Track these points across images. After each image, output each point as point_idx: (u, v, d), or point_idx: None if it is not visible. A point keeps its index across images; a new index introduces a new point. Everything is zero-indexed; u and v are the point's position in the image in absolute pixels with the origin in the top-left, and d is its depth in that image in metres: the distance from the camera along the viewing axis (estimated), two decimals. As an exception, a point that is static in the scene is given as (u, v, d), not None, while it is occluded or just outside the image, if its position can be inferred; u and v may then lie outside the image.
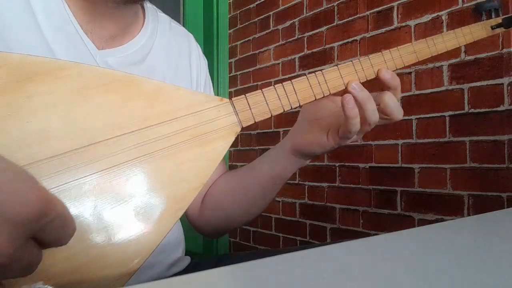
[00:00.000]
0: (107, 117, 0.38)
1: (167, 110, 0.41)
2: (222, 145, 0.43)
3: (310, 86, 0.48)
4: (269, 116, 0.46)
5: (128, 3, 0.53)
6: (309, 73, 0.49)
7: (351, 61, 0.51)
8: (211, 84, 0.71)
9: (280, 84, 0.47)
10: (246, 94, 0.45)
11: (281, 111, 0.47)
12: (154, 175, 0.38)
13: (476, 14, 0.65)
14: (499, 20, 0.64)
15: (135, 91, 0.40)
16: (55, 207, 0.27)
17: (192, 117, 0.41)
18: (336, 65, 0.50)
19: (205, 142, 0.42)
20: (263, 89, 0.46)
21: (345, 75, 0.50)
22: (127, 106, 0.39)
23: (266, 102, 0.46)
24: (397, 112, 0.50)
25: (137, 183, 0.38)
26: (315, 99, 0.48)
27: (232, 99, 0.44)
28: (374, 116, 0.49)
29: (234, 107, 0.44)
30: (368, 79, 0.52)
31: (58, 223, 0.28)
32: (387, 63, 0.53)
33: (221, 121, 0.43)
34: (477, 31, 0.61)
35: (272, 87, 0.46)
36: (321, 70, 0.49)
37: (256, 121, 0.45)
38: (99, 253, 0.35)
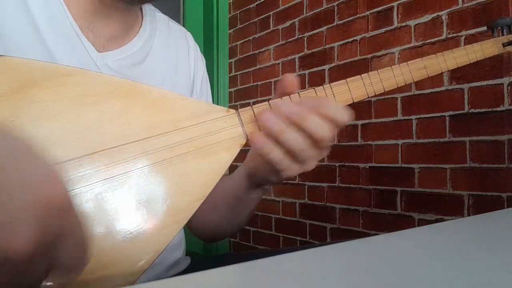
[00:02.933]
0: (111, 125, 0.37)
1: (172, 120, 0.40)
2: (226, 157, 0.42)
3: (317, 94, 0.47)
4: None
5: (134, 3, 0.53)
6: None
7: (360, 75, 0.51)
8: (208, 85, 0.71)
9: (287, 96, 0.46)
10: (253, 106, 0.44)
11: None
12: (156, 186, 0.38)
13: (487, 30, 0.64)
14: (511, 37, 0.63)
15: (140, 100, 0.39)
16: (75, 210, 0.27)
17: (197, 127, 0.41)
18: (345, 80, 0.50)
19: (209, 153, 0.41)
20: (270, 101, 0.45)
21: (354, 89, 0.49)
22: (132, 115, 0.38)
23: None
24: (341, 117, 0.41)
25: (138, 194, 0.37)
26: None
27: (239, 110, 0.44)
28: (297, 145, 0.40)
29: (240, 118, 0.43)
30: (376, 93, 0.52)
31: (77, 239, 0.27)
32: (396, 78, 0.52)
33: (226, 133, 0.42)
34: (488, 48, 0.61)
35: (279, 99, 0.46)
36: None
37: None
38: (102, 261, 0.35)
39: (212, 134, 0.42)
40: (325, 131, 0.40)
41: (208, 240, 0.68)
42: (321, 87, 0.48)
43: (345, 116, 0.41)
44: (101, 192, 0.35)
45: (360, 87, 0.50)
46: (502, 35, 0.63)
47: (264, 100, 0.46)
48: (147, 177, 0.38)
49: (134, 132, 0.38)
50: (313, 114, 0.40)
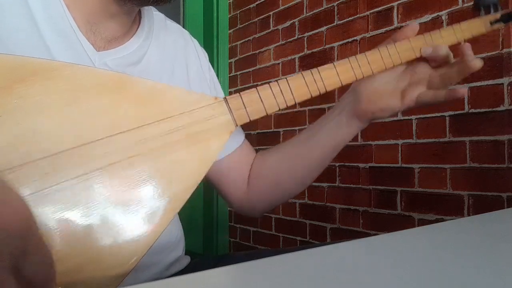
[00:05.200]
0: (99, 117, 0.37)
1: (161, 110, 0.40)
2: (217, 143, 0.42)
3: (306, 83, 0.48)
4: (265, 114, 0.46)
5: (140, 5, 0.53)
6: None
7: (348, 58, 0.51)
8: (215, 76, 0.71)
9: (275, 82, 0.47)
10: (241, 93, 0.45)
11: (277, 109, 0.46)
12: (147, 174, 0.38)
13: (475, 10, 0.64)
14: (497, 15, 0.62)
15: (128, 91, 0.39)
16: (38, 233, 0.26)
17: (186, 116, 0.41)
18: (332, 63, 0.50)
19: (199, 141, 0.41)
20: (257, 87, 0.46)
21: (342, 72, 0.50)
22: (120, 106, 0.38)
23: (261, 100, 0.45)
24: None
25: (129, 184, 0.37)
26: (311, 96, 0.48)
27: (227, 97, 0.44)
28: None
29: (229, 105, 0.44)
30: (365, 76, 0.52)
31: (41, 257, 0.26)
32: (384, 60, 0.52)
33: (215, 120, 0.43)
34: (476, 27, 0.60)
35: (267, 85, 0.46)
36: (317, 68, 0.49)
37: (251, 119, 0.45)
38: (93, 254, 0.35)
39: (201, 122, 0.42)
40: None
41: (269, 208, 0.69)
42: (309, 71, 0.49)
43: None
44: (92, 184, 0.35)
45: (348, 70, 0.50)
46: (489, 13, 0.63)
47: (264, 100, 0.46)
48: (138, 167, 0.38)
49: (123, 123, 0.38)
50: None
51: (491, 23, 0.62)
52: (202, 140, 0.41)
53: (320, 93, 0.48)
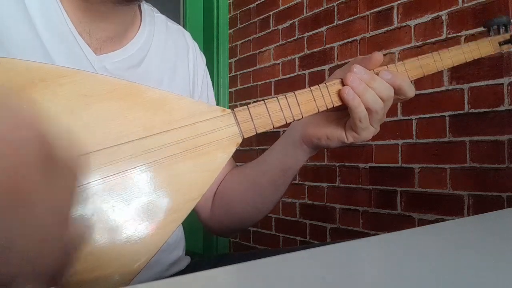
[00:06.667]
0: (107, 125, 0.38)
1: (169, 120, 0.40)
2: (222, 156, 0.43)
3: (314, 98, 0.48)
4: (271, 127, 0.46)
5: (127, 3, 0.53)
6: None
7: None
8: (209, 82, 0.71)
9: (283, 95, 0.47)
10: (249, 105, 0.45)
11: (284, 123, 0.46)
12: (152, 185, 0.38)
13: (484, 29, 0.64)
14: (507, 36, 0.62)
15: (137, 100, 0.40)
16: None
17: (193, 127, 0.41)
18: (340, 79, 0.49)
19: (205, 152, 0.41)
20: (265, 100, 0.46)
21: None
22: (128, 115, 0.39)
23: (268, 114, 0.45)
24: (408, 90, 0.49)
25: (134, 193, 0.37)
26: (318, 111, 0.48)
27: (234, 110, 0.44)
28: (376, 104, 0.47)
29: (236, 118, 0.44)
30: None
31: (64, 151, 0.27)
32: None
33: (222, 132, 0.43)
34: (485, 47, 0.60)
35: (275, 98, 0.46)
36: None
37: (258, 132, 0.45)
38: (98, 261, 0.35)
39: (208, 134, 0.42)
40: (389, 92, 0.48)
41: (228, 232, 0.68)
42: (317, 86, 0.48)
43: (410, 89, 0.49)
44: (96, 192, 0.36)
45: None
46: (499, 34, 0.63)
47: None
48: (143, 177, 0.38)
49: (131, 132, 0.38)
50: (378, 77, 0.48)
51: (500, 44, 0.62)
52: (208, 152, 0.42)
53: (327, 108, 0.48)
